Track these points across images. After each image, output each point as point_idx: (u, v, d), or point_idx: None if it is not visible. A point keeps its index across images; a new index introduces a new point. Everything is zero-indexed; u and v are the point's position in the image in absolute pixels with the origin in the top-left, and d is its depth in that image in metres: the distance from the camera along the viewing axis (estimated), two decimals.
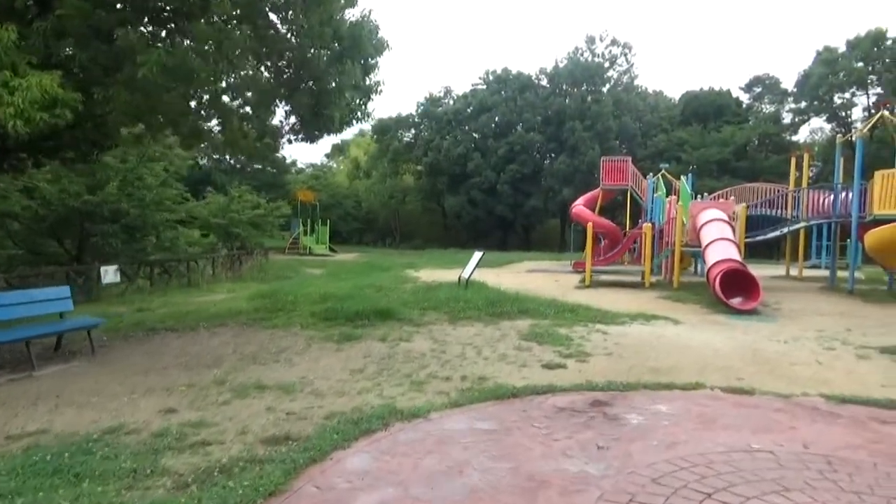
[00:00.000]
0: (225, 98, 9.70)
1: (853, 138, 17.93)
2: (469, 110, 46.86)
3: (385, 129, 49.64)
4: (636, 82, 48.33)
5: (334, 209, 48.96)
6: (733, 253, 14.15)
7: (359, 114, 9.79)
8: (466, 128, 46.90)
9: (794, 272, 21.54)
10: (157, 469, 4.19)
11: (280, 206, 26.58)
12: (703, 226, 15.48)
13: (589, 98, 44.39)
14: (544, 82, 46.99)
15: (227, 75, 8.01)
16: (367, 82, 9.43)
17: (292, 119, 9.98)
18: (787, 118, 44.25)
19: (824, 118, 42.86)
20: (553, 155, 44.62)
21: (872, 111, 40.39)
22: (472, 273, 13.98)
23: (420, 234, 50.72)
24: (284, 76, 9.08)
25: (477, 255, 14.27)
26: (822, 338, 9.59)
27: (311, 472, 4.12)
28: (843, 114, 41.21)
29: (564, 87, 46.07)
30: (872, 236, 14.72)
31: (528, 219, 45.39)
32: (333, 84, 8.53)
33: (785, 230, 18.10)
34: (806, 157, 21.86)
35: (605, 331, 9.56)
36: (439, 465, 4.23)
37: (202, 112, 9.71)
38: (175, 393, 6.16)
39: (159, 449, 4.57)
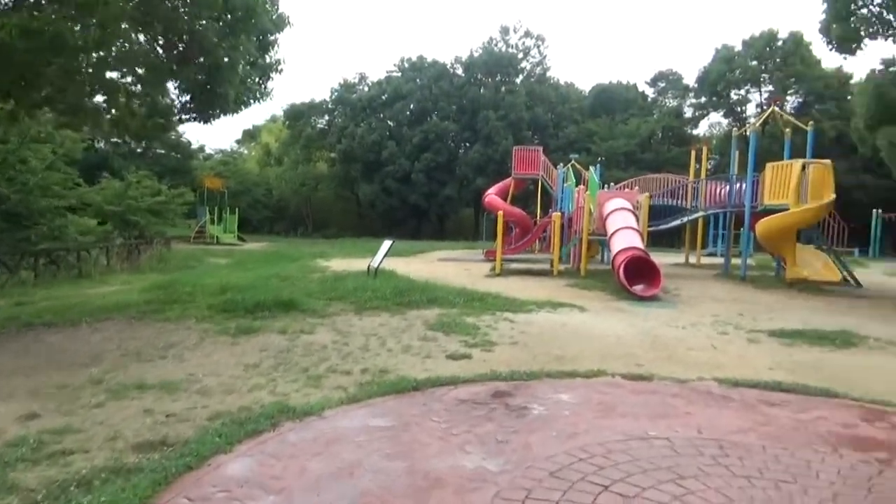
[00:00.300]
0: (113, 74, 8.93)
1: (747, 132, 18.84)
2: (384, 97, 46.30)
3: (297, 115, 48.34)
4: (549, 74, 49.23)
5: (243, 197, 47.25)
6: (636, 241, 14.53)
7: (257, 93, 9.25)
8: (381, 115, 46.33)
9: (692, 260, 22.53)
10: (4, 485, 3.70)
11: (183, 193, 25.21)
12: (608, 215, 15.83)
13: (503, 88, 44.82)
14: (459, 71, 47.05)
15: (107, 46, 7.31)
16: (267, 60, 8.91)
17: (185, 97, 9.30)
18: (688, 112, 46.33)
19: (722, 113, 45.18)
20: (467, 144, 44.84)
21: (764, 107, 42.96)
22: (381, 262, 13.69)
23: (333, 223, 49.80)
24: (175, 50, 8.43)
25: (387, 243, 13.98)
26: (717, 323, 9.94)
27: (184, 482, 3.74)
28: (739, 109, 43.54)
29: (479, 76, 46.30)
30: (763, 225, 15.49)
31: (443, 208, 45.43)
32: (226, 59, 7.97)
33: (685, 219, 18.84)
34: (705, 149, 22.85)
35: (512, 319, 9.52)
36: (328, 468, 3.95)
37: (87, 88, 8.89)
38: (41, 396, 5.56)
39: (11, 461, 4.05)
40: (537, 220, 25.64)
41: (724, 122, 46.19)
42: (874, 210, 28.63)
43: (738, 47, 41.49)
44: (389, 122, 45.79)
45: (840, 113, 36.14)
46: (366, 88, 48.62)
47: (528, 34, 48.92)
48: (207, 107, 8.86)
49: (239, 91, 8.60)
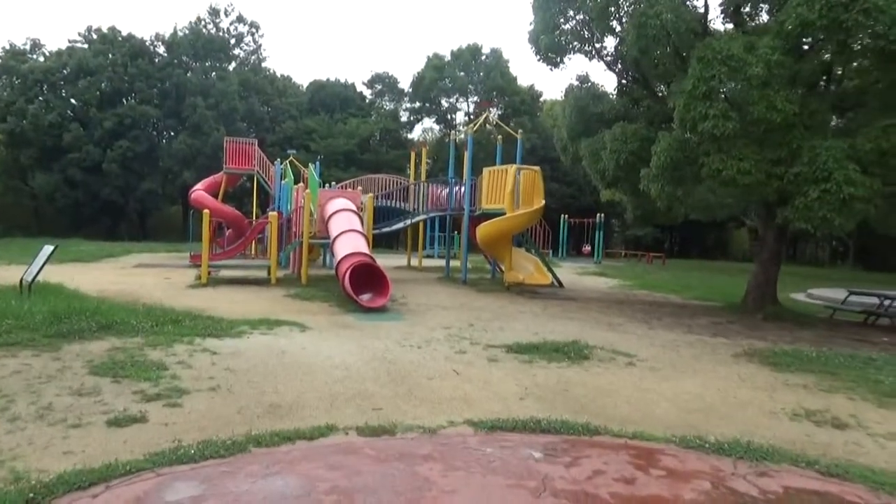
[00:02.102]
0: None
1: (464, 136, 19.06)
2: (65, 71, 38.97)
3: None
4: (264, 65, 46.46)
5: None
6: (362, 246, 13.40)
7: None
8: (62, 92, 38.97)
9: (414, 262, 22.40)
10: None
11: None
12: (331, 216, 14.47)
13: (213, 74, 40.93)
14: (161, 50, 41.79)
15: None
16: None
17: None
18: (403, 116, 47.50)
19: (434, 119, 47.23)
20: (172, 133, 40.05)
21: (472, 115, 46.00)
22: (37, 273, 10.42)
23: (1, 220, 40.65)
24: None
25: (46, 249, 10.71)
26: (452, 337, 9.17)
27: None
28: (449, 116, 45.87)
29: (185, 58, 41.65)
30: (483, 230, 15.56)
31: (143, 204, 39.85)
32: None
33: (408, 222, 18.37)
34: (424, 152, 22.84)
35: (215, 349, 7.53)
36: None
37: None
38: None
39: None
40: (254, 220, 23.33)
41: (437, 127, 48.44)
42: (561, 215, 31.98)
43: (448, 57, 43.62)
44: (73, 101, 38.71)
45: (532, 126, 39.94)
46: (41, 59, 40.54)
47: (241, 19, 45.67)
48: None
49: None
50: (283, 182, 22.05)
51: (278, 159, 25.23)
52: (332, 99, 45.23)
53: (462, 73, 42.02)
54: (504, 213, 15.41)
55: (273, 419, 5.07)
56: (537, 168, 16.07)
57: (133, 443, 4.44)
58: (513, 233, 16.03)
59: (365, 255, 13.04)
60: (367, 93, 48.48)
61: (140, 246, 28.74)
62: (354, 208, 14.79)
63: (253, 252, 22.65)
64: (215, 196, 24.20)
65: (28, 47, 40.97)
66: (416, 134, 49.19)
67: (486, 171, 16.70)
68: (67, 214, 39.49)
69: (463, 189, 18.72)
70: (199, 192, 23.97)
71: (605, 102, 15.11)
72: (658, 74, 13.49)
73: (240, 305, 11.80)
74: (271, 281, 14.87)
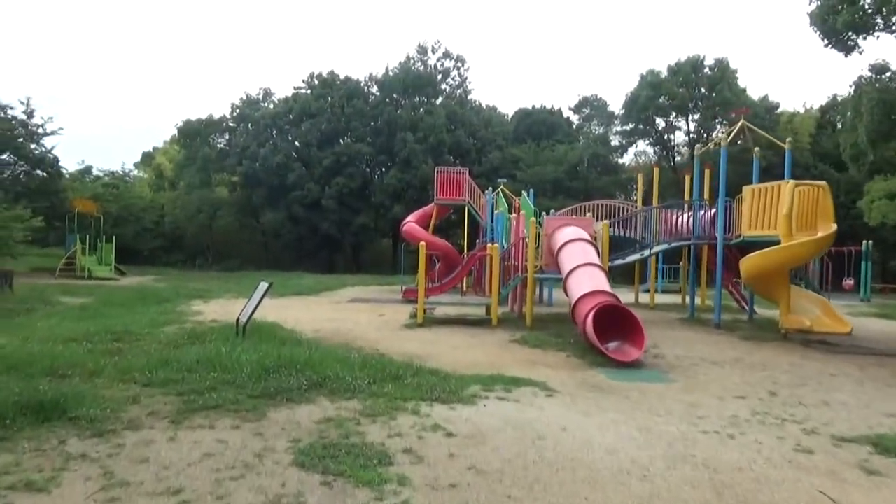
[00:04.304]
0: None
1: (719, 147, 15.99)
2: (291, 115, 41.82)
3: (193, 133, 43.11)
4: (470, 97, 46.33)
5: (129, 224, 41.45)
6: (603, 283, 11.03)
7: None
8: (288, 135, 41.84)
9: (643, 299, 19.46)
10: None
11: (23, 216, 19.92)
12: (562, 247, 12.32)
13: (421, 109, 41.44)
14: (374, 90, 43.34)
15: None
16: None
17: None
18: (614, 140, 44.42)
19: (648, 142, 43.48)
20: (383, 168, 40.98)
21: (727, 124, 41.54)
22: (252, 313, 9.52)
23: (237, 254, 44.48)
24: None
25: (262, 287, 9.85)
26: (761, 416, 6.45)
27: None
28: (666, 137, 41.92)
29: (395, 96, 42.74)
30: (750, 262, 12.40)
31: (357, 238, 41.12)
32: None
33: (646, 253, 15.62)
34: (656, 172, 19.93)
35: (448, 425, 5.64)
36: None
37: None
38: None
39: None
40: (465, 252, 22.07)
41: (651, 150, 44.63)
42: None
43: (665, 73, 39.94)
44: (297, 143, 41.29)
45: (769, 142, 34.74)
46: (271, 105, 44.05)
47: (447, 55, 46.02)
48: None
49: None
50: (496, 212, 20.51)
51: (490, 188, 23.91)
52: (538, 126, 43.68)
53: (682, 90, 38.04)
54: (778, 242, 12.15)
55: None
56: (823, 183, 12.58)
57: None
58: (792, 265, 12.67)
59: (608, 293, 10.66)
60: (574, 118, 46.33)
61: (354, 279, 28.99)
62: (588, 237, 12.51)
63: (463, 287, 21.33)
64: (426, 227, 23.41)
65: (261, 96, 44.78)
66: (628, 158, 45.86)
67: (748, 189, 13.53)
68: (291, 249, 42.00)
69: (710, 213, 15.63)
70: (410, 224, 23.31)
71: None
72: None
73: (462, 352, 10.04)
74: (492, 321, 13.05)
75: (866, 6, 10.85)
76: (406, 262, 25.65)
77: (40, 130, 34.66)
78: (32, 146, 34.14)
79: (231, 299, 18.18)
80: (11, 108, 34.27)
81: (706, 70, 39.31)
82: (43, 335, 10.04)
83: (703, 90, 39.34)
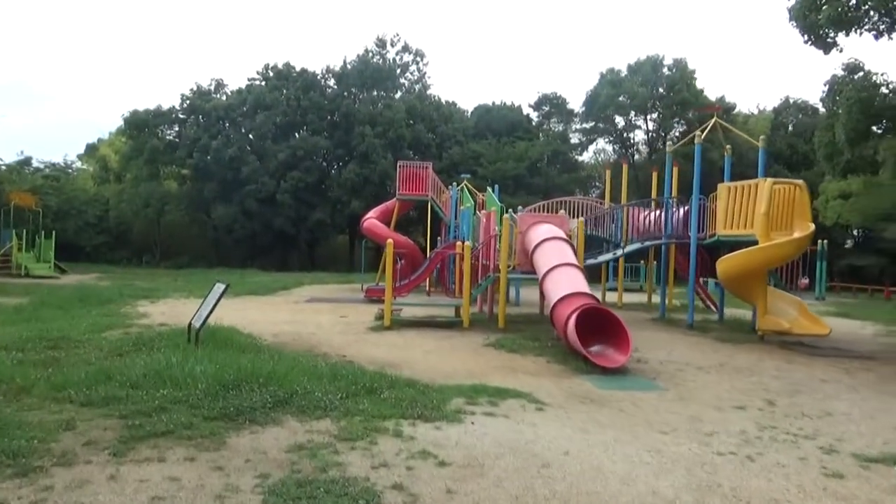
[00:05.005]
0: None
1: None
2: (244, 108, 40.31)
3: (140, 124, 41.10)
4: (429, 92, 45.57)
5: (71, 218, 39.37)
6: (582, 284, 10.50)
7: None
8: (241, 128, 40.32)
9: (611, 298, 19.11)
10: None
11: None
12: (537, 246, 11.75)
13: (380, 104, 40.48)
14: (331, 82, 42.16)
15: None
16: None
17: None
18: (574, 138, 44.34)
19: (608, 140, 43.57)
20: (341, 163, 39.90)
21: (652, 134, 41.83)
22: (206, 318, 8.63)
23: (186, 251, 42.72)
24: None
25: (218, 288, 8.96)
26: (769, 431, 5.98)
27: None
28: (626, 135, 42.03)
29: (353, 89, 41.67)
30: (727, 263, 12.09)
31: (313, 234, 39.87)
32: None
33: (618, 253, 15.22)
34: (625, 169, 19.60)
35: (436, 449, 4.96)
36: None
37: None
38: None
39: None
40: (427, 250, 21.39)
41: (610, 148, 44.74)
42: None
43: (625, 72, 39.99)
44: (250, 136, 39.78)
45: (727, 143, 35.07)
46: (223, 97, 42.38)
47: (406, 49, 45.16)
48: None
49: None
50: (462, 208, 19.89)
51: (454, 182, 23.29)
52: (498, 122, 43.20)
53: (641, 88, 38.09)
54: (754, 241, 11.87)
55: None
56: (801, 182, 12.35)
57: None
58: (769, 266, 12.41)
59: (588, 295, 10.14)
60: (534, 115, 46.00)
61: (310, 277, 27.93)
62: (564, 236, 11.98)
63: (428, 287, 20.66)
64: (387, 224, 22.64)
65: (213, 87, 43.04)
66: (587, 156, 45.84)
67: (723, 187, 13.24)
68: (244, 245, 40.52)
69: (681, 212, 15.36)
70: (371, 220, 22.53)
71: None
72: None
73: (436, 358, 9.38)
74: (464, 323, 12.40)
75: (851, 1, 10.58)
76: (365, 259, 24.78)
77: None
78: None
79: (180, 299, 17.10)
80: None
81: (665, 70, 39.53)
82: None
83: (661, 90, 39.54)
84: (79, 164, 56.32)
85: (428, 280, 19.92)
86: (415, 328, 12.27)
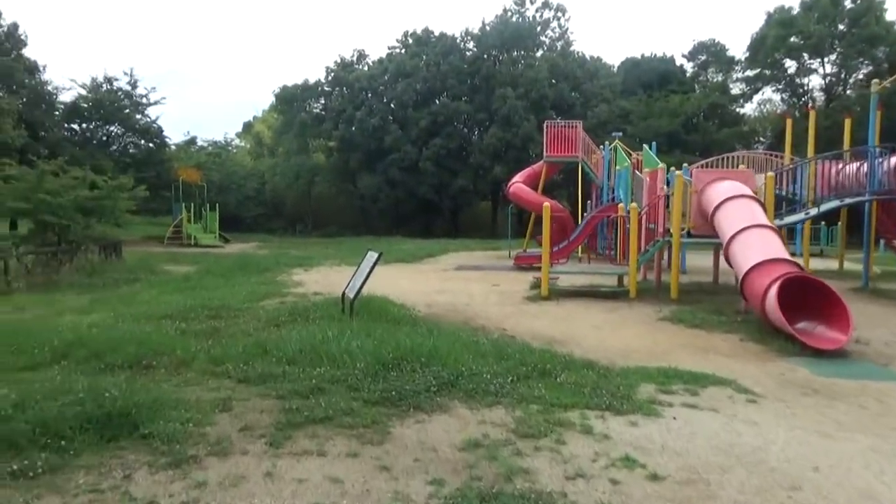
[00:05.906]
0: None
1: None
2: (386, 77, 40.56)
3: (290, 99, 42.73)
4: (572, 48, 43.30)
5: (232, 192, 41.92)
6: (779, 249, 8.91)
7: None
8: (383, 97, 40.64)
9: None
10: None
11: (125, 185, 19.66)
12: (719, 206, 10.18)
13: (521, 64, 39.03)
14: (470, 45, 41.22)
15: None
16: None
17: None
18: (735, 88, 40.29)
19: (774, 88, 39.08)
20: (482, 127, 39.04)
21: (831, 78, 36.93)
22: (360, 289, 8.17)
23: (335, 220, 44.21)
24: None
25: (371, 257, 8.48)
26: None
27: None
28: (798, 81, 37.46)
29: (493, 51, 40.46)
30: None
31: (456, 201, 39.63)
32: None
33: (813, 212, 13.11)
34: (812, 116, 17.00)
35: (640, 454, 3.99)
36: None
37: None
38: None
39: None
40: (581, 214, 20.05)
41: (777, 98, 40.18)
42: None
43: (797, 9, 35.42)
44: (392, 105, 40.01)
45: None
46: (365, 68, 42.88)
47: (546, 5, 43.00)
48: None
49: None
50: (618, 168, 18.36)
51: (605, 142, 21.68)
52: (648, 76, 40.26)
53: (818, 26, 33.54)
54: None
55: None
56: None
57: None
58: None
59: (789, 262, 8.56)
60: (689, 66, 42.38)
61: (456, 244, 27.55)
62: (751, 194, 10.30)
63: (580, 253, 19.43)
64: (534, 188, 21.53)
65: (355, 58, 43.70)
66: (750, 108, 41.56)
67: None
68: (389, 213, 41.18)
69: (891, 163, 12.91)
70: (517, 184, 21.49)
71: None
72: None
73: (608, 334, 8.33)
74: (630, 293, 11.17)
75: None
76: (512, 224, 23.88)
77: (144, 101, 35.22)
78: (137, 116, 34.75)
79: (333, 267, 17.23)
80: (116, 79, 34.92)
81: (847, 2, 34.53)
82: (138, 311, 9.20)
83: (842, 27, 34.67)
84: (237, 141, 60.15)
85: (581, 247, 18.75)
86: (575, 299, 11.23)
